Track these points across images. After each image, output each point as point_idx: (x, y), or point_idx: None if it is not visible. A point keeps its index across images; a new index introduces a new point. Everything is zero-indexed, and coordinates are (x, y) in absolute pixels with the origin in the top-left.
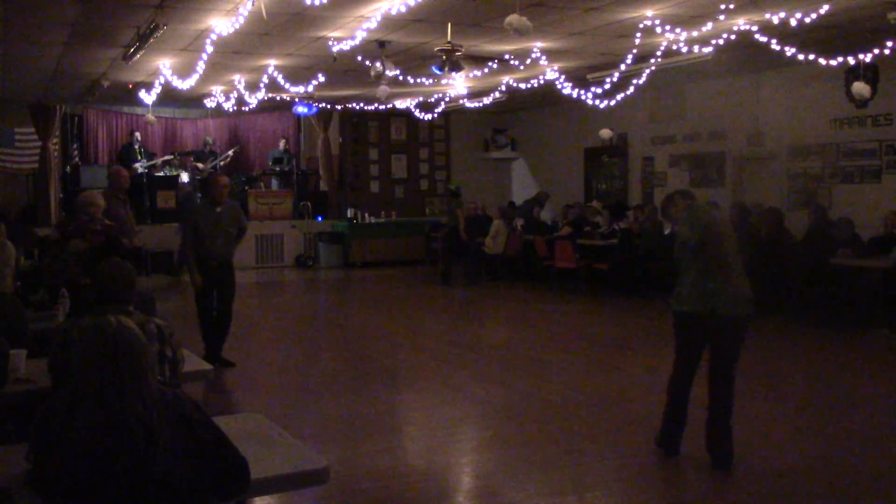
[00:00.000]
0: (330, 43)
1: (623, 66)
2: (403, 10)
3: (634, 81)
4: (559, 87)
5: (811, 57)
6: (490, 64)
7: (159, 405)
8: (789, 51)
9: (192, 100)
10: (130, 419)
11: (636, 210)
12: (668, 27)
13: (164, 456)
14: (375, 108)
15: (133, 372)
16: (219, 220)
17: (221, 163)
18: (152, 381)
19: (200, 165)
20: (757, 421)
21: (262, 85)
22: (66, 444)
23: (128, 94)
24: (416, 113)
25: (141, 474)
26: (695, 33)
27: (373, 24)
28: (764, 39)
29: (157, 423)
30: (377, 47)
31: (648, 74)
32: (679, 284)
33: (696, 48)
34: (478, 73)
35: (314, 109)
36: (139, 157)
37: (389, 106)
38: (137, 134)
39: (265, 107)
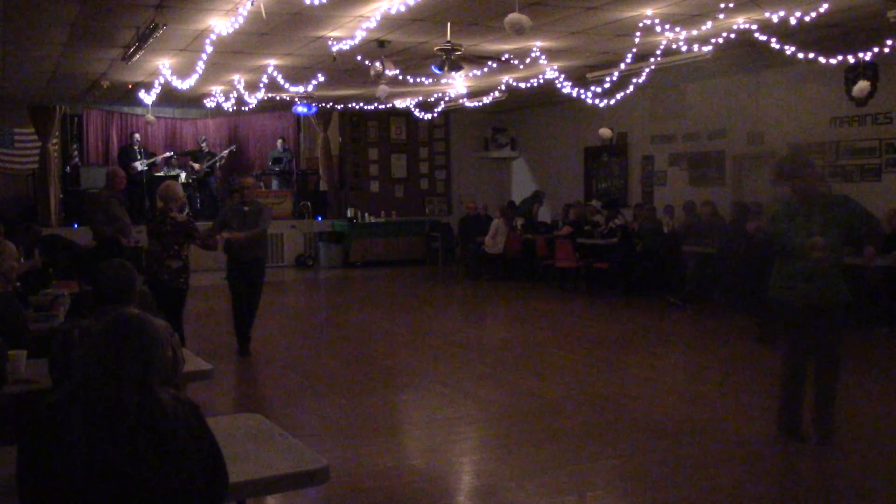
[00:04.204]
0: (330, 43)
1: (623, 66)
2: (403, 9)
3: (634, 80)
4: (559, 86)
5: (811, 56)
6: (490, 63)
7: (161, 405)
8: (789, 49)
9: (192, 100)
10: (130, 416)
11: (636, 209)
12: (667, 26)
13: (159, 459)
14: (375, 107)
15: (138, 371)
16: (245, 217)
17: (218, 163)
18: (157, 382)
19: (196, 165)
20: (755, 418)
21: (261, 85)
22: (59, 445)
23: (128, 95)
24: (416, 112)
25: (135, 478)
26: (694, 32)
27: (372, 24)
28: (763, 38)
29: (158, 424)
30: (377, 47)
31: (648, 73)
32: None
33: (695, 47)
34: (477, 72)
35: (314, 109)
36: (139, 158)
37: (389, 105)
38: (137, 134)
39: (265, 107)
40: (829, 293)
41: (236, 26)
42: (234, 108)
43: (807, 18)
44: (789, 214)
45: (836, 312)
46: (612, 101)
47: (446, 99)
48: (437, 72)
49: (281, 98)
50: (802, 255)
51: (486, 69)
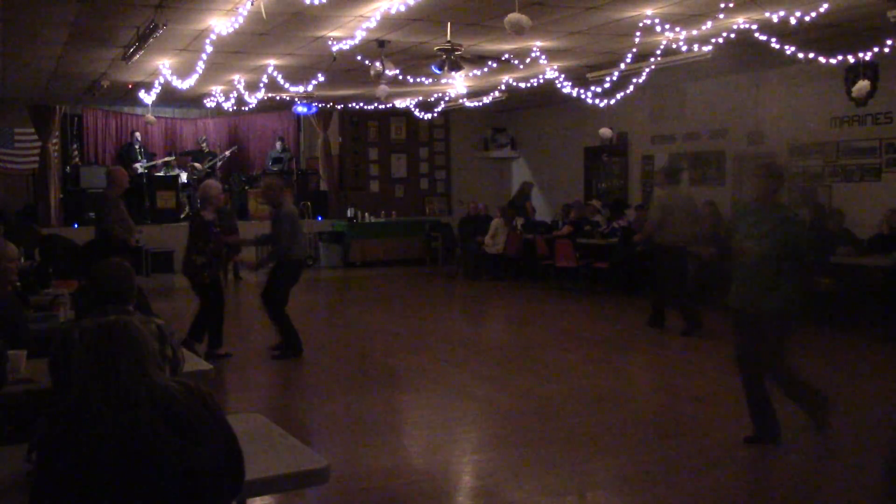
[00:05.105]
0: (330, 43)
1: (623, 65)
2: (403, 9)
3: (634, 80)
4: (559, 86)
5: (811, 55)
6: (490, 63)
7: (170, 392)
8: (789, 49)
9: (192, 100)
10: (144, 405)
11: (637, 210)
12: (667, 26)
13: (182, 444)
14: (375, 107)
15: (134, 365)
16: (275, 220)
17: (219, 163)
18: (157, 374)
19: (198, 166)
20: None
21: (261, 85)
22: (82, 446)
23: (128, 94)
24: (416, 112)
25: (163, 464)
26: (694, 32)
27: (372, 24)
28: (763, 38)
29: (174, 409)
30: (377, 47)
31: (648, 73)
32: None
33: (695, 47)
34: (477, 72)
35: (314, 109)
36: (139, 158)
37: (389, 105)
38: (137, 134)
39: (265, 107)
40: (758, 299)
41: (236, 26)
42: (234, 108)
43: (807, 18)
44: (743, 213)
45: (769, 320)
46: (612, 101)
47: (446, 99)
48: (437, 72)
49: (281, 98)
50: (736, 256)
51: (485, 69)
